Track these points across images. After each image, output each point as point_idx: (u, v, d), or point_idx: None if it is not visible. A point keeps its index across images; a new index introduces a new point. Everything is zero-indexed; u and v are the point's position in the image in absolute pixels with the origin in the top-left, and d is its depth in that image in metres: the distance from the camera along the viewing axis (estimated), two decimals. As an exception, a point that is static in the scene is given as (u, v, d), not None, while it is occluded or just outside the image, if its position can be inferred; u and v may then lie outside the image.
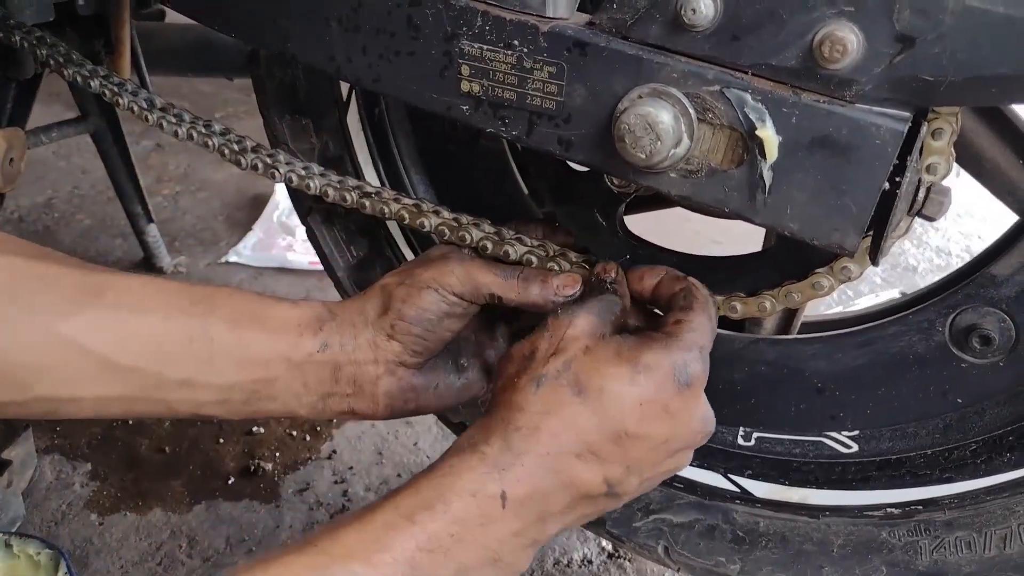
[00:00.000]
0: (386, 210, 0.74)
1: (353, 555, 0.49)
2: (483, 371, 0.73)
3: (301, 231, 1.82)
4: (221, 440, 1.26)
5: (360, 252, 0.92)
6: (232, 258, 1.78)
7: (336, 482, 1.20)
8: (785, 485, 0.75)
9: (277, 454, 1.24)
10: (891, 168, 0.51)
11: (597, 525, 0.78)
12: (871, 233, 0.56)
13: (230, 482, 1.19)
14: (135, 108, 0.86)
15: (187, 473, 1.20)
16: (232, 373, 0.64)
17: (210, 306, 0.64)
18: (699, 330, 0.60)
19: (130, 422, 1.29)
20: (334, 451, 1.25)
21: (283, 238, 1.83)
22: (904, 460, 0.71)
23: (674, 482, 0.78)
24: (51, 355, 0.59)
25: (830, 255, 0.63)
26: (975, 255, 0.70)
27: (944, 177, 0.55)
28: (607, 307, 0.62)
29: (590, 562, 1.06)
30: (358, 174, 0.87)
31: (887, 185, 0.52)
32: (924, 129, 0.52)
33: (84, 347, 0.60)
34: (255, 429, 1.28)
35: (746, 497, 0.76)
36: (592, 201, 0.76)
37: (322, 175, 0.77)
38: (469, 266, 0.66)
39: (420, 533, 0.51)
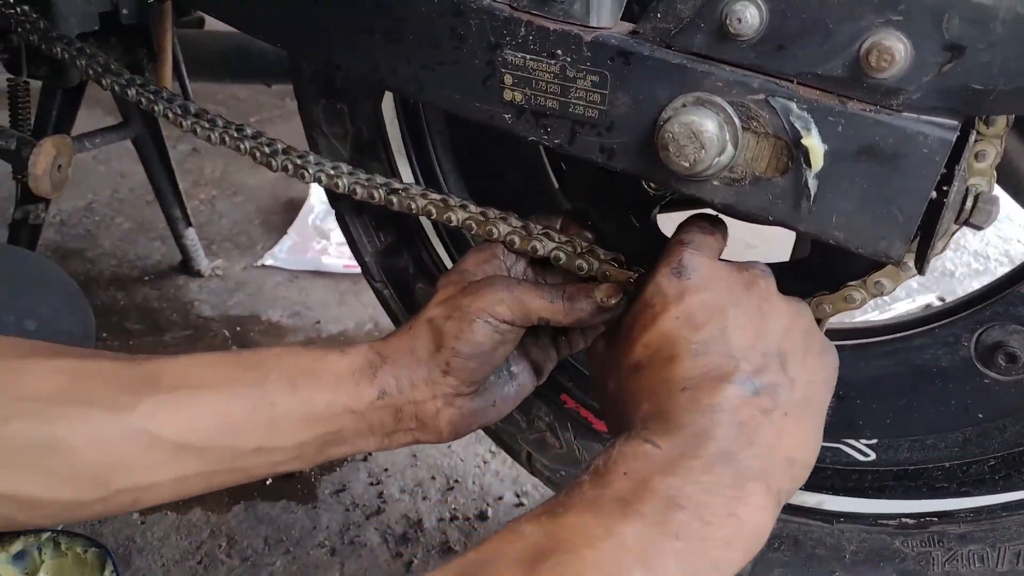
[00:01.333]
0: (413, 206, 0.75)
1: None
2: (532, 369, 0.74)
3: (336, 235, 1.84)
4: (258, 441, 1.28)
5: (388, 238, 0.93)
6: (268, 261, 1.80)
7: (371, 484, 1.21)
8: (801, 489, 0.75)
9: (313, 456, 1.26)
10: (939, 177, 0.51)
11: None
12: (916, 242, 0.55)
13: (268, 483, 1.21)
14: (170, 115, 0.89)
15: (226, 473, 1.22)
16: (300, 433, 0.64)
17: (263, 372, 0.64)
18: (667, 248, 0.60)
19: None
20: (369, 453, 1.27)
21: (318, 241, 1.85)
22: (921, 471, 0.71)
23: None
24: (124, 447, 0.60)
25: (864, 268, 0.63)
26: (1014, 264, 0.69)
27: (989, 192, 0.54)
28: None
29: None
30: (390, 161, 0.88)
31: (934, 194, 0.51)
32: (972, 137, 0.52)
33: (154, 434, 0.60)
34: (291, 431, 1.30)
35: None
36: (626, 202, 0.77)
37: (350, 174, 0.79)
38: (517, 292, 0.66)
39: (592, 494, 0.49)
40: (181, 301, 1.67)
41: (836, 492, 0.74)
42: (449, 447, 1.28)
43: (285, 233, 1.90)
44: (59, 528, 1.03)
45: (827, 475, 0.75)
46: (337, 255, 1.78)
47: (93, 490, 0.60)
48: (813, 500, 0.74)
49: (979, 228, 0.55)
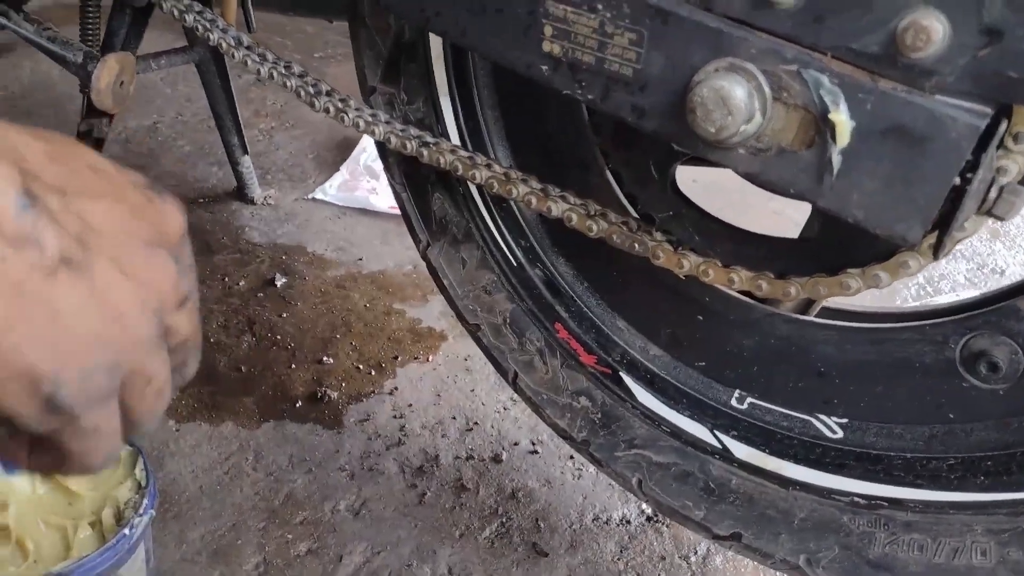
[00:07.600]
0: (442, 160, 0.78)
1: None
2: None
3: (385, 177, 1.87)
4: (293, 366, 1.34)
5: None
6: (318, 195, 1.84)
7: (395, 417, 1.25)
8: (765, 453, 0.78)
9: (343, 384, 1.31)
10: (964, 163, 0.50)
11: (581, 446, 0.83)
12: (936, 229, 0.55)
13: (298, 405, 1.26)
14: (223, 44, 0.91)
15: (259, 392, 1.28)
16: None
17: None
18: None
19: (211, 339, 1.37)
20: (396, 388, 1.31)
21: (368, 181, 1.88)
22: (883, 457, 0.73)
23: (661, 425, 0.82)
24: None
25: (866, 258, 0.64)
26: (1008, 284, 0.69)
27: (1017, 179, 0.54)
28: None
29: (628, 522, 1.09)
30: (428, 65, 0.89)
31: (958, 180, 0.51)
32: (1003, 127, 0.51)
33: None
34: (325, 359, 1.35)
35: (726, 455, 0.78)
36: (649, 152, 0.77)
37: (387, 123, 0.82)
38: None
39: None
40: (233, 226, 1.73)
41: (797, 461, 0.76)
42: (472, 391, 1.31)
43: (337, 170, 1.93)
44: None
45: (793, 444, 0.77)
46: (384, 196, 1.81)
47: None
48: (774, 464, 0.77)
49: (1001, 219, 0.54)
